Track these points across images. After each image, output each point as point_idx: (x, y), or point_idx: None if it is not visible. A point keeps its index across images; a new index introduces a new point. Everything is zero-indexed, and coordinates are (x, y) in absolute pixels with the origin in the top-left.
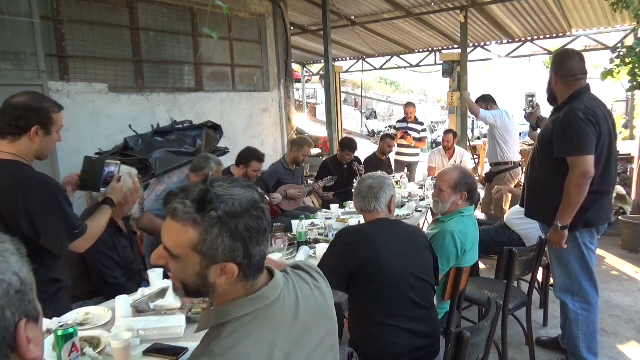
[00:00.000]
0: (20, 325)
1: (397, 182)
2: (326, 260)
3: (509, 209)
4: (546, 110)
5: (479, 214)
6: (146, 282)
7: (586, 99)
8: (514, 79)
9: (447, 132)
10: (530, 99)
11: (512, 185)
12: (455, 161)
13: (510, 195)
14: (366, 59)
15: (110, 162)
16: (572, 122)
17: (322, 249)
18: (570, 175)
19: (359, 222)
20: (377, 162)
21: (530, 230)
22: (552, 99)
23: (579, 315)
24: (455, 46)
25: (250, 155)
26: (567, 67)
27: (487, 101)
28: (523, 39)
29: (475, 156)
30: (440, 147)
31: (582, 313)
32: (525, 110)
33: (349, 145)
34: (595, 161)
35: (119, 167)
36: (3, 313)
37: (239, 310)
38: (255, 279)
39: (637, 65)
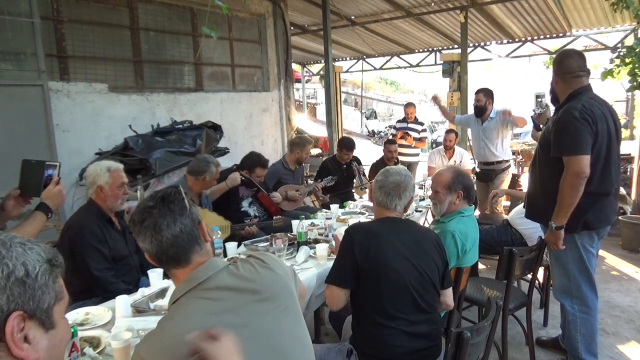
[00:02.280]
0: (12, 315)
1: None
2: (337, 256)
3: (509, 208)
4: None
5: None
6: (145, 279)
7: (585, 98)
8: (514, 79)
9: (448, 131)
10: (540, 99)
11: (507, 183)
12: (455, 161)
13: (504, 197)
14: (366, 59)
15: (51, 163)
16: (567, 122)
17: (322, 249)
18: (564, 175)
19: (359, 222)
20: (384, 167)
21: (532, 229)
22: (554, 100)
23: (577, 317)
24: (455, 46)
25: (254, 162)
26: (565, 65)
27: (489, 96)
28: (523, 39)
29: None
30: (441, 147)
31: (580, 315)
32: (534, 110)
33: (347, 144)
34: (592, 161)
35: (59, 169)
36: None
37: (178, 293)
38: (175, 267)
39: (637, 65)
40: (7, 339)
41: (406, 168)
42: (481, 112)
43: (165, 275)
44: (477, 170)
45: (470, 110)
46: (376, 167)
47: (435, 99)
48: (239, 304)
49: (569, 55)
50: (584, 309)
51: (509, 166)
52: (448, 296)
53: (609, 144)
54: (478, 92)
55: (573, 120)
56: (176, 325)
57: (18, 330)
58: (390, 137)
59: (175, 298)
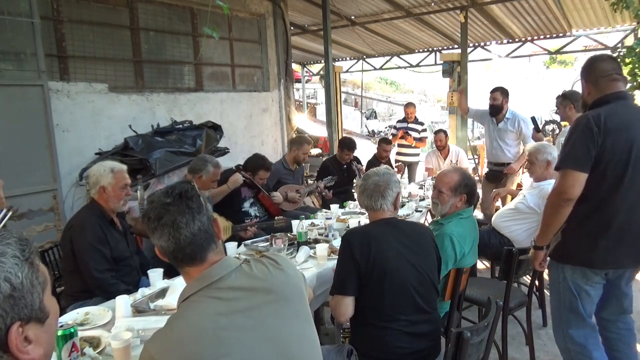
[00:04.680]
0: (12, 329)
1: None
2: (337, 265)
3: None
4: None
5: (478, 214)
6: (145, 279)
7: (610, 106)
8: (514, 79)
9: (437, 132)
10: (535, 119)
11: (516, 185)
12: (451, 160)
13: (509, 197)
14: (366, 59)
15: None
16: (570, 130)
17: (322, 249)
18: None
19: (359, 222)
20: (378, 165)
21: (516, 232)
22: None
23: (570, 352)
24: (455, 46)
25: (258, 165)
26: (596, 68)
27: (505, 95)
28: (523, 39)
29: (475, 156)
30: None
31: (576, 356)
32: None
33: (347, 145)
34: (593, 182)
35: None
36: None
37: (189, 290)
38: (190, 265)
39: (637, 65)
40: (12, 350)
41: (388, 167)
42: (497, 111)
43: (166, 275)
44: (487, 170)
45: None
46: (371, 164)
47: (461, 92)
48: (251, 305)
49: (600, 58)
50: (577, 348)
51: (520, 167)
52: None
53: (628, 163)
54: (494, 90)
55: (575, 129)
56: (186, 324)
57: (20, 338)
58: (384, 136)
59: (186, 296)
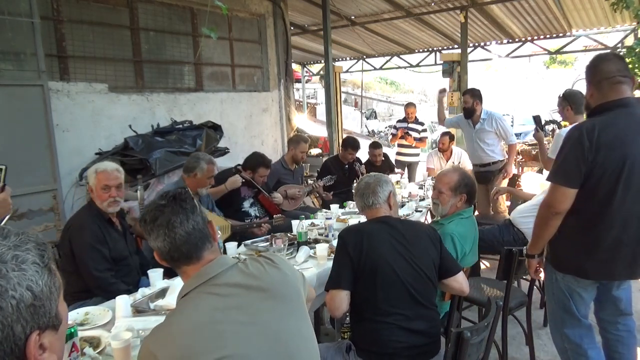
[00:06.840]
0: (31, 338)
1: (397, 182)
2: (333, 261)
3: (510, 207)
4: None
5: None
6: (145, 279)
7: (610, 115)
8: (514, 79)
9: (443, 134)
10: (538, 119)
11: (506, 182)
12: (453, 162)
13: (502, 198)
14: (366, 59)
15: None
16: (563, 143)
17: (322, 249)
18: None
19: (359, 222)
20: (372, 168)
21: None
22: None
23: (567, 351)
24: (455, 46)
25: (257, 162)
26: (600, 70)
27: (476, 97)
28: (523, 39)
29: None
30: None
31: (573, 355)
32: (536, 129)
33: (352, 144)
34: (583, 197)
35: (4, 174)
36: (12, 329)
37: (187, 288)
38: (187, 264)
39: (637, 65)
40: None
41: (381, 174)
42: (470, 113)
43: (166, 275)
44: (474, 172)
45: None
46: (366, 167)
47: (441, 92)
48: (247, 301)
49: (605, 58)
50: (573, 347)
51: (505, 165)
52: (459, 281)
53: (618, 179)
54: (465, 93)
55: (567, 142)
56: (184, 319)
57: (36, 347)
58: (374, 141)
59: (184, 293)
